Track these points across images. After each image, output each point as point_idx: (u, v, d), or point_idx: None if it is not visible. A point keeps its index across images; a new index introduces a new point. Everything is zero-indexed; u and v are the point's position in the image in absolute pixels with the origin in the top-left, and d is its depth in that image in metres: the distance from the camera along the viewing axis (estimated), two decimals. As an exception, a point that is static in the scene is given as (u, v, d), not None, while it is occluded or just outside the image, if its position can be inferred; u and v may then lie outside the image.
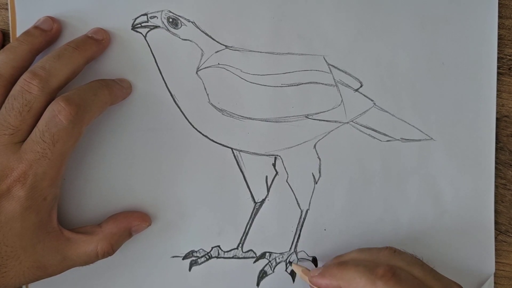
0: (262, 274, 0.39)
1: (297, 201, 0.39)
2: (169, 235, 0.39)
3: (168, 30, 0.38)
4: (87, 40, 0.36)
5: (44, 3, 0.37)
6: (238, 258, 0.39)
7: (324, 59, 0.39)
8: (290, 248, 0.40)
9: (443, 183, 0.40)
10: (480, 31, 0.40)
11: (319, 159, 0.39)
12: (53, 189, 0.33)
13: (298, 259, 0.40)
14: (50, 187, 0.33)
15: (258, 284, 0.39)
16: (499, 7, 0.39)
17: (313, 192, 0.39)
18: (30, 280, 0.33)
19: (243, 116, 0.39)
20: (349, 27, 0.39)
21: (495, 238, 0.40)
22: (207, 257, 0.39)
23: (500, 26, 0.40)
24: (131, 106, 0.38)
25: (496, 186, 0.40)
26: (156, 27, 0.38)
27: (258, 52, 0.39)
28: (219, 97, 0.38)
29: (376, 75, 0.39)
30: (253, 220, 0.39)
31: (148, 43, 0.38)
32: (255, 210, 0.39)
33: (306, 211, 0.39)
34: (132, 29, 0.38)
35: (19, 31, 0.37)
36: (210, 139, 0.39)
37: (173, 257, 0.39)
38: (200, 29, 0.38)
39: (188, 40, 0.38)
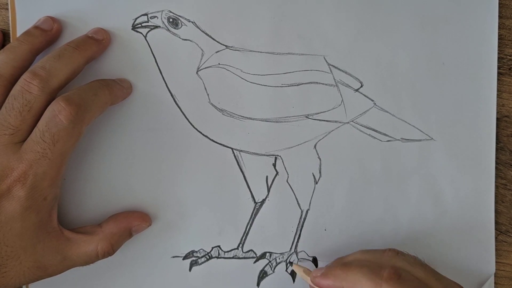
0: (262, 274, 0.39)
1: (297, 201, 0.39)
2: (169, 235, 0.39)
3: (168, 30, 0.38)
4: (87, 40, 0.36)
5: (44, 3, 0.37)
6: (239, 258, 0.39)
7: (324, 59, 0.39)
8: (291, 248, 0.40)
9: (443, 183, 0.40)
10: (480, 31, 0.40)
11: (320, 159, 0.39)
12: (53, 189, 0.33)
13: (298, 259, 0.40)
14: (50, 187, 0.33)
15: (258, 284, 0.39)
16: (499, 7, 0.39)
17: (313, 192, 0.39)
18: (30, 280, 0.33)
19: (243, 116, 0.39)
20: (349, 27, 0.39)
21: (496, 238, 0.40)
22: (208, 257, 0.39)
23: (501, 26, 0.40)
24: (131, 106, 0.38)
25: (496, 186, 0.40)
26: (156, 27, 0.38)
27: (258, 52, 0.39)
28: (219, 97, 0.38)
29: (376, 75, 0.39)
30: (253, 220, 0.39)
31: (148, 43, 0.38)
32: (255, 210, 0.39)
33: (307, 211, 0.39)
34: (132, 29, 0.38)
35: (19, 31, 0.37)
36: (210, 139, 0.39)
37: (173, 257, 0.39)
38: (200, 29, 0.38)
39: (188, 40, 0.38)
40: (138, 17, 0.38)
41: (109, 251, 0.35)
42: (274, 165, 0.39)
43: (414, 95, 0.40)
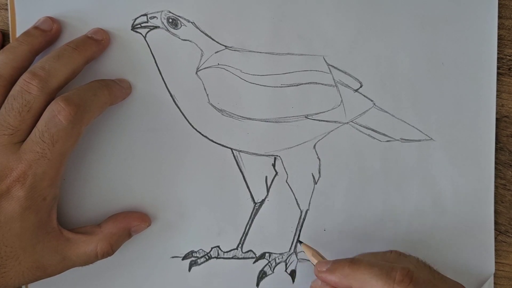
0: (262, 275, 0.39)
1: (296, 201, 0.39)
2: (168, 235, 0.39)
3: (168, 30, 0.38)
4: (87, 41, 0.36)
5: (44, 3, 0.37)
6: (238, 258, 0.39)
7: (324, 59, 0.39)
8: (290, 248, 0.40)
9: (443, 183, 0.40)
10: (480, 31, 0.40)
11: (319, 160, 0.39)
12: (52, 189, 0.33)
13: (298, 259, 0.40)
14: (49, 187, 0.33)
15: (257, 285, 0.39)
16: (499, 7, 0.39)
17: (312, 193, 0.39)
18: (29, 280, 0.33)
19: (242, 117, 0.39)
20: (349, 27, 0.39)
21: (495, 238, 0.40)
22: (207, 258, 0.39)
23: (500, 26, 0.40)
24: (131, 106, 0.38)
25: (496, 187, 0.40)
26: (156, 27, 0.38)
27: (258, 52, 0.39)
28: (218, 98, 0.38)
29: (376, 75, 0.39)
30: (252, 220, 0.39)
31: (148, 44, 0.38)
32: (254, 211, 0.39)
33: (306, 212, 0.39)
34: (132, 29, 0.38)
35: (19, 32, 0.37)
36: (209, 139, 0.39)
37: (173, 257, 0.39)
38: (200, 30, 0.38)
39: (187, 40, 0.38)
40: (138, 17, 0.38)
41: (109, 251, 0.35)
42: (274, 165, 0.39)
43: (414, 95, 0.40)
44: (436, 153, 0.40)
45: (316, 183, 0.39)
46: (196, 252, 0.39)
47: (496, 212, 0.40)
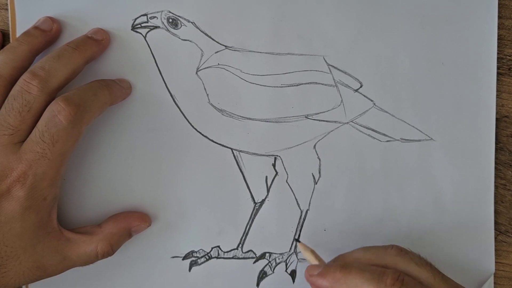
0: (262, 275, 0.39)
1: (297, 201, 0.39)
2: (169, 235, 0.39)
3: (168, 30, 0.38)
4: (87, 41, 0.36)
5: (44, 3, 0.37)
6: (238, 258, 0.39)
7: (324, 59, 0.39)
8: (290, 248, 0.40)
9: (443, 183, 0.40)
10: (480, 31, 0.40)
11: (319, 160, 0.39)
12: (53, 189, 0.33)
13: (298, 259, 0.40)
14: (49, 187, 0.33)
15: (258, 285, 0.39)
16: (499, 7, 0.39)
17: (313, 193, 0.39)
18: (30, 280, 0.33)
19: (243, 117, 0.39)
20: (349, 27, 0.39)
21: (495, 238, 0.40)
22: (207, 258, 0.39)
23: (500, 26, 0.40)
24: (131, 106, 0.38)
25: (496, 187, 0.40)
26: (156, 27, 0.38)
27: (258, 52, 0.39)
28: (219, 98, 0.38)
29: (376, 75, 0.39)
30: (253, 220, 0.39)
31: (148, 44, 0.38)
32: (255, 211, 0.39)
33: (306, 212, 0.39)
34: (132, 29, 0.38)
35: (19, 32, 0.37)
36: (210, 139, 0.39)
37: (173, 257, 0.39)
38: (200, 30, 0.38)
39: (188, 40, 0.38)
40: (138, 17, 0.38)
41: (109, 251, 0.35)
42: (274, 165, 0.39)
43: (414, 95, 0.40)
44: (436, 153, 0.40)
45: (316, 183, 0.39)
46: (196, 252, 0.39)
47: (496, 212, 0.40)
